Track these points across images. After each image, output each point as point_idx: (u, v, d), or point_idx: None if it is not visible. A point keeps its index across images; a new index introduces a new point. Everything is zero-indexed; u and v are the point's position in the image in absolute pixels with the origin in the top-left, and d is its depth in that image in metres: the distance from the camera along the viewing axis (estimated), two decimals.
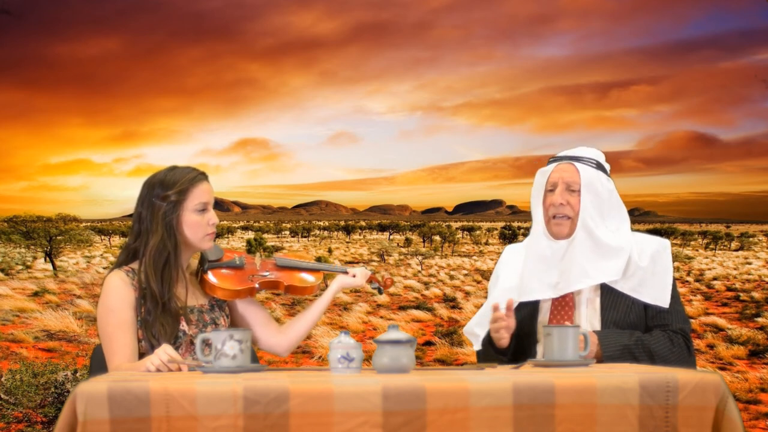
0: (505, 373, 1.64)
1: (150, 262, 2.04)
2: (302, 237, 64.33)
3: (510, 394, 1.46)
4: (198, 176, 2.10)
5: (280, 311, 11.66)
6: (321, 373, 1.69)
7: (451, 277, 20.91)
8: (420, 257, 27.81)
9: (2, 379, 4.77)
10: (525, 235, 2.44)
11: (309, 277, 2.29)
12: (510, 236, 46.38)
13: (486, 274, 21.57)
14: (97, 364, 2.13)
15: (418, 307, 12.72)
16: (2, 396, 4.62)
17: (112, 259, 27.95)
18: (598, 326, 2.19)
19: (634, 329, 2.17)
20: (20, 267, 21.04)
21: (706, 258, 33.62)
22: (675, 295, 2.21)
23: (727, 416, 1.52)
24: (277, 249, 29.23)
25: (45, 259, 22.06)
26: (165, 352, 1.81)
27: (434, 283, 18.76)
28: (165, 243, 2.05)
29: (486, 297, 2.48)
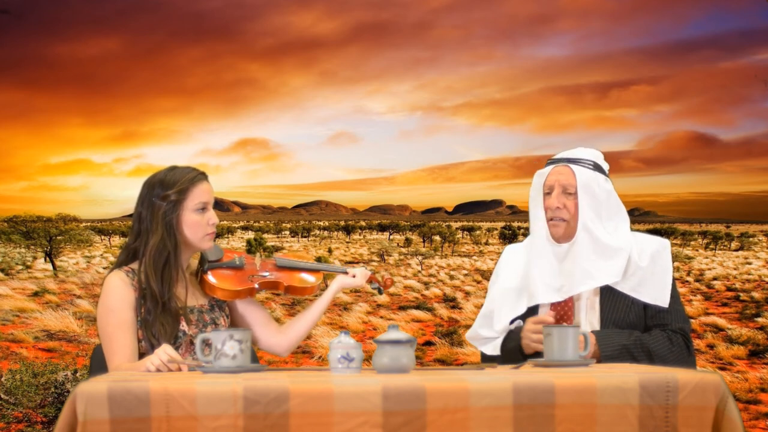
0: (505, 373, 1.64)
1: (150, 262, 2.04)
2: (302, 237, 64.33)
3: (510, 394, 1.46)
4: (198, 176, 2.10)
5: (280, 311, 11.66)
6: (321, 373, 1.69)
7: (451, 277, 20.91)
8: (420, 257, 27.82)
9: (2, 379, 4.77)
10: (525, 235, 2.44)
11: (309, 278, 2.29)
12: (510, 236, 46.38)
13: (486, 274, 21.57)
14: (97, 364, 2.13)
15: (418, 307, 12.72)
16: (2, 396, 4.62)
17: (112, 259, 27.95)
18: (597, 326, 2.19)
19: (634, 329, 2.17)
20: (20, 267, 21.04)
21: (706, 258, 33.63)
22: (675, 295, 2.21)
23: (727, 416, 1.52)
24: (277, 249, 29.23)
25: (45, 259, 22.06)
26: (165, 352, 1.80)
27: (434, 283, 18.76)
28: (165, 243, 2.05)
29: (486, 297, 2.47)
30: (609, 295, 2.20)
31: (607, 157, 2.33)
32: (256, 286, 2.20)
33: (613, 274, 2.18)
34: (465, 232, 58.66)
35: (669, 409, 1.51)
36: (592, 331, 2.13)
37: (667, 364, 2.05)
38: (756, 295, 15.88)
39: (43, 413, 4.65)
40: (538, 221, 2.29)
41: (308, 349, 8.36)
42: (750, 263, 28.74)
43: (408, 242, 41.71)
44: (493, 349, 2.32)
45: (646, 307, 2.20)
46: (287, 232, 70.96)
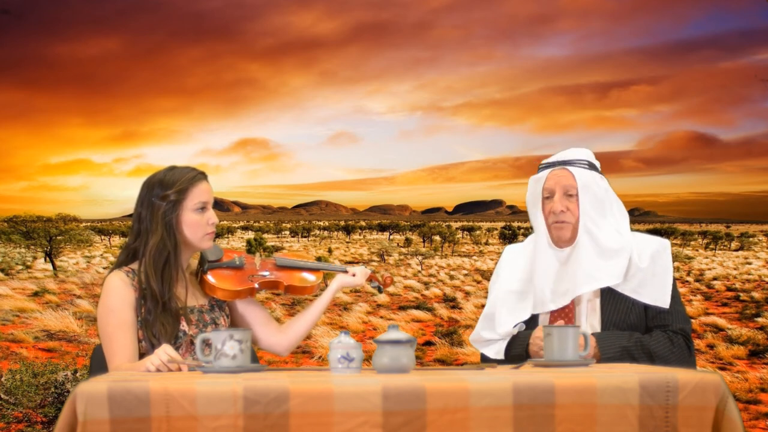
0: (505, 373, 1.64)
1: (150, 262, 2.04)
2: (302, 237, 64.33)
3: (510, 394, 1.46)
4: (197, 176, 2.10)
5: (280, 311, 11.66)
6: (321, 373, 1.69)
7: (451, 277, 20.91)
8: (420, 257, 27.82)
9: (2, 379, 4.77)
10: (525, 235, 2.44)
11: (309, 277, 2.29)
12: (510, 236, 46.38)
13: (486, 274, 21.57)
14: (97, 364, 2.13)
15: (418, 307, 12.72)
16: (2, 396, 4.62)
17: (112, 259, 27.96)
18: (598, 328, 2.18)
19: (635, 330, 2.17)
20: (20, 267, 21.04)
21: (706, 258, 33.62)
22: (675, 296, 2.20)
23: (727, 416, 1.52)
24: (277, 249, 29.23)
25: (45, 259, 22.06)
26: (165, 352, 1.81)
27: (434, 283, 18.76)
28: (165, 243, 2.05)
29: (486, 297, 2.46)
30: (610, 297, 2.19)
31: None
32: (256, 285, 2.20)
33: (614, 275, 2.17)
34: (465, 232, 58.67)
35: (669, 409, 1.51)
36: (593, 333, 2.13)
37: (668, 365, 2.04)
38: (756, 295, 15.88)
39: (43, 413, 4.65)
40: (539, 227, 2.28)
41: (308, 349, 8.36)
42: (750, 263, 28.74)
43: (408, 242, 41.71)
44: (496, 353, 2.30)
45: (646, 308, 2.19)
46: (287, 232, 70.97)
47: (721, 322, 11.11)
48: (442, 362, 7.93)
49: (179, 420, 1.39)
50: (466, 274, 22.10)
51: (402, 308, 12.93)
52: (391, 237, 62.41)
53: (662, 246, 2.23)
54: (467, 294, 15.75)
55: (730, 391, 1.55)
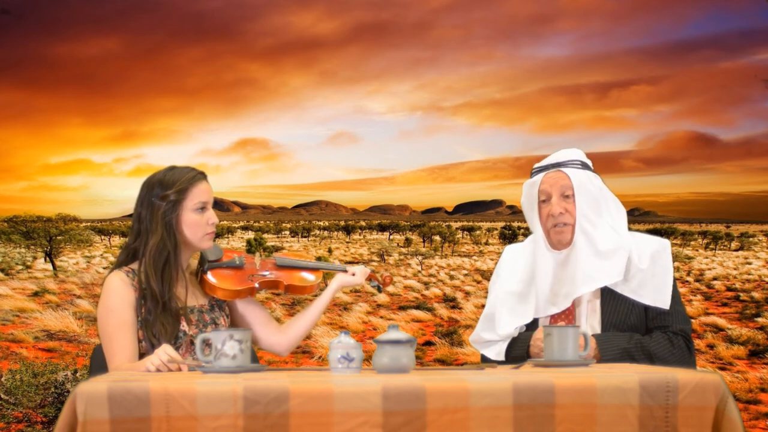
0: (505, 373, 1.64)
1: (150, 262, 2.04)
2: (302, 237, 64.33)
3: (510, 394, 1.46)
4: (197, 176, 2.10)
5: (280, 311, 11.66)
6: (321, 373, 1.69)
7: (451, 277, 20.91)
8: (420, 257, 27.82)
9: (2, 379, 4.77)
10: (525, 235, 2.43)
11: (309, 276, 2.29)
12: (510, 236, 46.38)
13: (486, 274, 21.57)
14: (97, 364, 2.13)
15: (418, 307, 12.72)
16: (2, 396, 4.62)
17: (112, 259, 27.95)
18: (598, 329, 2.18)
19: (635, 331, 2.16)
20: (20, 267, 21.04)
21: (706, 258, 33.63)
22: (675, 296, 2.19)
23: (727, 416, 1.52)
24: (277, 249, 29.24)
25: (45, 259, 22.06)
26: (165, 352, 1.80)
27: (434, 283, 18.76)
28: (165, 243, 2.05)
29: (486, 297, 2.46)
30: (610, 298, 2.19)
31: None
32: (256, 285, 2.20)
33: (614, 274, 2.16)
34: (465, 232, 58.67)
35: (669, 409, 1.51)
36: (593, 335, 2.12)
37: (669, 365, 2.04)
38: (756, 295, 15.88)
39: (43, 413, 4.65)
40: (536, 231, 2.28)
41: (308, 349, 8.36)
42: (750, 263, 28.74)
43: (408, 242, 41.71)
44: (497, 354, 2.29)
45: (647, 309, 2.18)
46: (287, 232, 70.98)
47: (721, 322, 11.11)
48: (442, 362, 7.93)
49: (179, 420, 1.39)
50: (466, 274, 22.10)
51: (402, 308, 12.93)
52: (391, 237, 62.42)
53: (662, 246, 2.22)
54: (467, 294, 15.75)
55: (730, 391, 1.55)
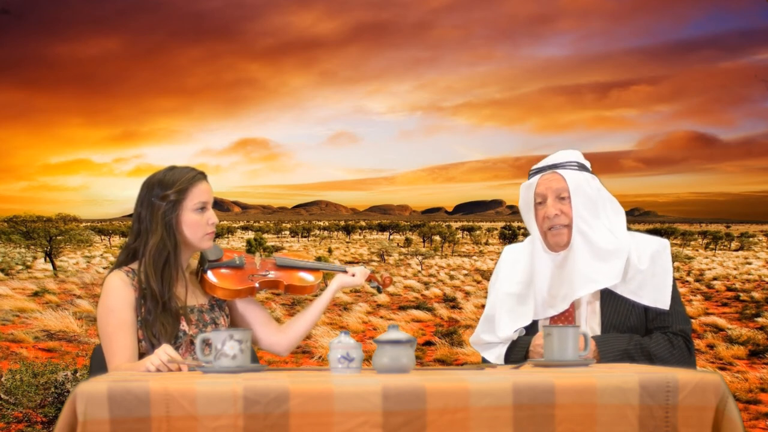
0: (505, 373, 1.64)
1: (150, 262, 2.04)
2: (302, 237, 64.33)
3: (510, 394, 1.46)
4: (197, 176, 2.10)
5: (280, 311, 11.66)
6: (321, 373, 1.69)
7: (451, 277, 20.91)
8: (420, 257, 27.82)
9: (2, 379, 4.77)
10: (525, 235, 2.42)
11: (309, 277, 2.29)
12: (510, 236, 46.39)
13: (486, 274, 21.57)
14: (97, 364, 2.13)
15: (418, 307, 12.72)
16: (2, 396, 4.62)
17: (112, 259, 27.95)
18: (598, 330, 2.18)
19: (635, 332, 2.16)
20: (20, 267, 21.04)
21: (706, 258, 33.63)
22: (675, 296, 2.19)
23: (727, 416, 1.52)
24: (277, 249, 29.23)
25: (45, 259, 22.06)
26: (165, 352, 1.81)
27: (434, 283, 18.76)
28: (165, 243, 2.05)
29: (486, 297, 2.46)
30: (609, 299, 2.18)
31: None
32: (257, 285, 2.20)
33: (612, 276, 2.16)
34: (465, 232, 58.67)
35: (669, 409, 1.51)
36: (592, 336, 2.12)
37: (669, 366, 2.03)
38: (756, 295, 15.88)
39: (43, 413, 4.65)
40: (533, 234, 2.27)
41: (308, 349, 8.36)
42: (750, 263, 28.74)
43: (408, 242, 41.71)
44: (496, 358, 2.29)
45: (647, 309, 2.18)
46: (287, 232, 70.98)
47: (721, 322, 11.11)
48: (442, 362, 7.93)
49: (179, 420, 1.39)
50: (466, 274, 22.11)
51: (402, 308, 12.93)
52: (391, 237, 62.42)
53: (662, 246, 2.22)
54: (467, 294, 15.75)
55: (730, 391, 1.55)
